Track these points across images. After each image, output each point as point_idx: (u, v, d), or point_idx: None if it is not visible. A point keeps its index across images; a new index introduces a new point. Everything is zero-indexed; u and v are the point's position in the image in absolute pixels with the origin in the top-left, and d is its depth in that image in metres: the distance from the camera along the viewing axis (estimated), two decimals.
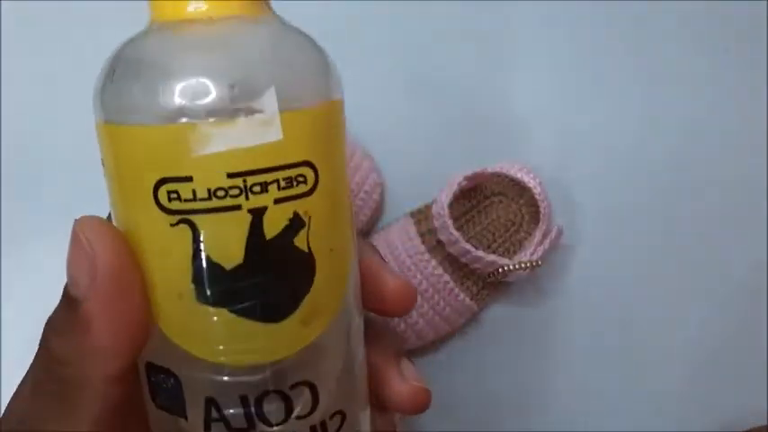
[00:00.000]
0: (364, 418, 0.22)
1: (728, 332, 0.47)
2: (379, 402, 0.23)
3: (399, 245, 0.45)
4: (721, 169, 0.51)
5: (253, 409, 0.19)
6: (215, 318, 0.18)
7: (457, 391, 0.47)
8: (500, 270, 0.43)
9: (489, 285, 0.46)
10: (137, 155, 0.18)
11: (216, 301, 0.18)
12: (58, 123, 0.46)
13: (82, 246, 0.19)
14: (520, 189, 0.47)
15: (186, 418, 0.19)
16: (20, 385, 0.21)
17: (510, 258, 0.45)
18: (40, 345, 0.20)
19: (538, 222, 0.45)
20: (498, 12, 0.54)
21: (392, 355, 0.24)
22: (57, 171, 0.46)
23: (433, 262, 0.44)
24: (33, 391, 0.20)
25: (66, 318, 0.19)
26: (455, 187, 0.44)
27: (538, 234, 0.44)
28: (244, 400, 0.19)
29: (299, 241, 0.19)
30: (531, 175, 0.45)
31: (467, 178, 0.45)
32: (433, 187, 0.46)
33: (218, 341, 0.19)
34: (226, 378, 0.19)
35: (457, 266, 0.45)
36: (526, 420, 0.46)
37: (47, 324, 0.20)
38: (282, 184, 0.18)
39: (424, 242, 0.45)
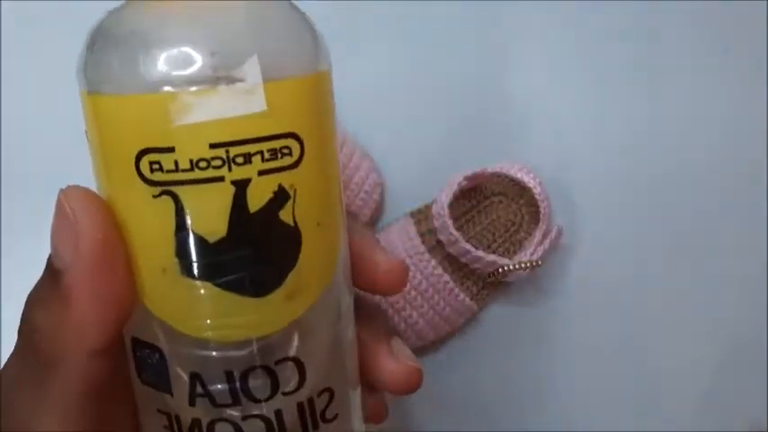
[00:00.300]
0: (355, 398, 0.22)
1: (728, 332, 0.47)
2: (369, 382, 0.23)
3: (399, 245, 0.45)
4: (722, 169, 0.51)
5: (238, 384, 0.19)
6: (199, 292, 0.18)
7: (457, 391, 0.47)
8: (500, 270, 0.43)
9: (489, 285, 0.46)
10: (118, 125, 0.18)
11: (199, 275, 0.18)
12: (59, 123, 0.46)
13: (66, 216, 0.18)
14: (520, 189, 0.47)
15: (171, 394, 0.19)
16: (9, 357, 0.21)
17: (510, 258, 0.45)
18: (21, 317, 0.20)
19: (538, 222, 0.45)
20: (498, 12, 0.54)
21: (383, 334, 0.24)
22: (57, 170, 0.46)
23: (433, 262, 0.44)
24: (16, 363, 0.20)
25: (49, 289, 0.19)
26: (455, 187, 0.44)
27: (538, 234, 0.44)
28: (229, 376, 0.19)
29: (285, 215, 0.18)
30: (532, 175, 0.45)
31: (467, 178, 0.45)
32: (433, 187, 0.46)
33: (203, 316, 0.18)
34: (210, 353, 0.18)
35: (457, 266, 0.45)
36: (526, 420, 0.46)
37: (29, 296, 0.20)
38: (266, 155, 0.18)
39: (424, 242, 0.45)
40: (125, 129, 0.18)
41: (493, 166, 0.45)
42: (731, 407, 0.46)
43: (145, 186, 0.18)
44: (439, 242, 0.45)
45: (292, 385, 0.19)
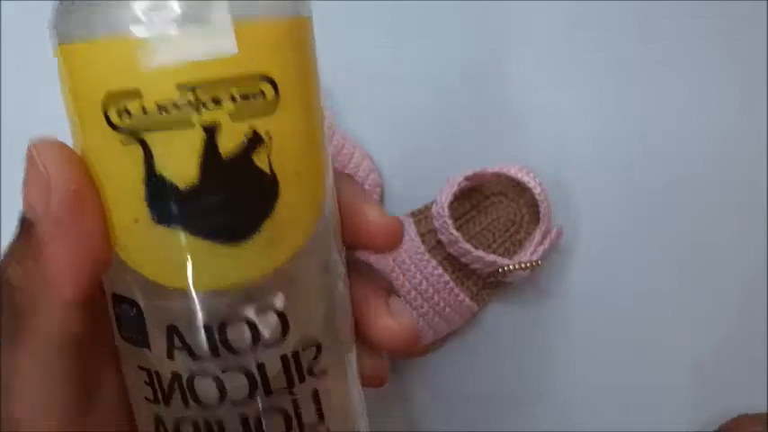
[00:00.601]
0: (350, 358, 0.21)
1: (728, 332, 0.47)
2: (366, 342, 0.22)
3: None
4: (722, 169, 0.51)
5: (217, 336, 0.18)
6: (172, 241, 0.18)
7: (457, 391, 0.47)
8: (500, 270, 0.43)
9: (489, 285, 0.46)
10: (87, 71, 0.18)
11: (172, 223, 0.17)
12: (59, 122, 0.46)
13: (37, 168, 0.18)
14: (520, 189, 0.47)
15: (150, 348, 0.19)
16: None
17: (510, 258, 0.45)
18: None
19: (538, 222, 0.45)
20: (499, 12, 0.54)
21: (381, 292, 0.22)
22: None
23: (433, 262, 0.44)
24: None
25: (21, 243, 0.18)
26: (455, 187, 0.44)
27: (538, 234, 0.44)
28: (207, 328, 0.18)
29: (260, 161, 0.18)
30: (531, 176, 0.45)
31: (467, 178, 0.45)
32: (433, 187, 0.46)
33: (177, 265, 0.18)
34: (187, 304, 0.18)
35: (457, 266, 0.45)
36: (526, 420, 0.46)
37: (4, 252, 0.20)
38: (238, 98, 0.17)
39: (424, 242, 0.45)
40: (93, 75, 0.17)
41: (493, 167, 0.45)
42: (731, 406, 0.46)
43: (113, 134, 0.17)
44: (439, 242, 0.45)
45: (274, 337, 0.19)
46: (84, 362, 0.19)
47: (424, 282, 0.44)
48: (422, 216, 0.46)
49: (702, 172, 0.51)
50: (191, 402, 0.18)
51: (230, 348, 0.18)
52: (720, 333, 0.47)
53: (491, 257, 0.43)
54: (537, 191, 0.45)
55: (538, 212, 0.45)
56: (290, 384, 0.19)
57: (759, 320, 0.48)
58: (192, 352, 0.18)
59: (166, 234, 0.18)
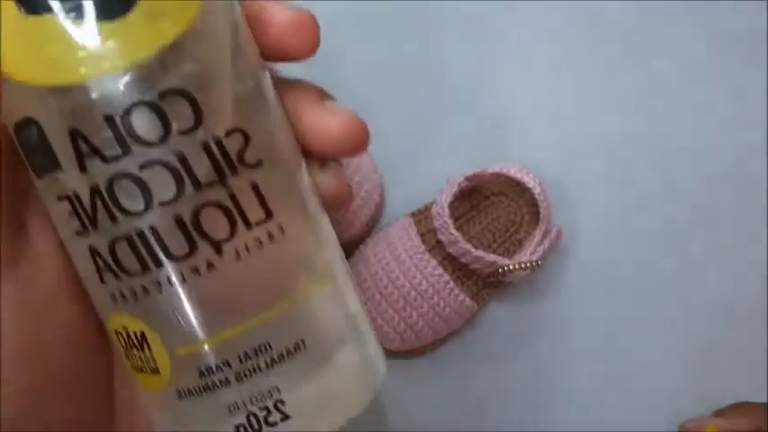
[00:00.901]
0: (300, 177, 0.20)
1: (728, 332, 0.48)
2: (311, 152, 0.20)
3: (399, 245, 0.45)
4: (722, 170, 0.51)
5: (122, 129, 0.17)
6: (47, 30, 0.16)
7: (456, 391, 0.47)
8: (500, 270, 0.43)
9: (489, 285, 0.46)
10: None
11: (42, 11, 0.16)
12: None
13: None
14: (520, 189, 0.47)
15: (61, 168, 0.17)
16: None
17: (510, 258, 0.45)
18: None
19: (537, 223, 0.46)
20: (499, 12, 0.54)
21: (313, 96, 0.20)
22: None
23: (433, 262, 0.44)
24: None
25: None
26: (455, 187, 0.44)
27: (537, 234, 0.45)
28: (109, 121, 0.17)
29: None
30: (531, 176, 0.45)
31: (467, 178, 0.45)
32: (433, 187, 0.46)
33: (60, 58, 0.17)
34: (81, 98, 0.17)
35: (457, 266, 0.45)
36: (525, 419, 0.46)
37: None
38: None
39: (424, 242, 0.45)
40: None
41: (493, 167, 0.46)
42: (730, 402, 0.46)
43: None
44: (439, 242, 0.45)
45: (187, 123, 0.17)
46: (8, 202, 0.18)
47: (424, 282, 0.44)
48: (422, 216, 0.46)
49: (702, 172, 0.51)
50: (117, 215, 0.17)
51: (140, 140, 0.17)
52: (720, 333, 0.48)
53: (491, 257, 0.43)
54: (537, 191, 0.45)
55: (537, 212, 0.46)
56: (222, 175, 0.17)
57: (759, 320, 0.48)
58: (101, 154, 0.17)
59: (39, 24, 0.16)
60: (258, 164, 0.18)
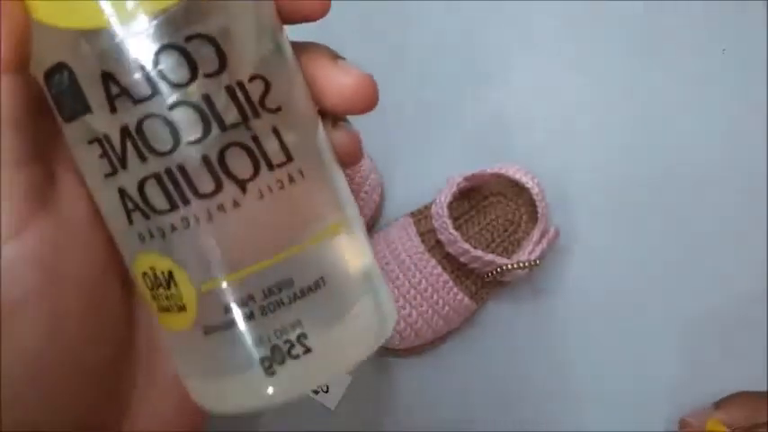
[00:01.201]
0: (318, 136, 0.21)
1: (728, 332, 0.48)
2: (325, 107, 0.21)
3: (399, 245, 0.45)
4: (721, 170, 0.51)
5: (151, 70, 0.18)
6: None
7: (456, 390, 0.47)
8: (499, 269, 0.44)
9: (488, 284, 0.46)
10: None
11: None
12: None
13: None
14: (518, 189, 0.47)
15: (91, 110, 0.18)
16: None
17: (508, 258, 0.45)
18: None
19: (536, 222, 0.46)
20: (499, 13, 0.54)
21: (328, 55, 0.21)
22: None
23: (433, 261, 0.45)
24: None
25: None
26: (454, 188, 0.45)
27: (536, 234, 0.45)
28: (139, 63, 0.17)
29: None
30: (530, 176, 0.45)
31: (466, 179, 0.45)
32: (433, 187, 0.46)
33: (91, 2, 0.17)
34: (113, 41, 0.17)
35: (456, 266, 0.45)
36: (525, 418, 0.46)
37: None
38: None
39: (423, 242, 0.45)
40: None
41: (492, 167, 0.46)
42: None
43: None
44: (438, 242, 0.45)
45: (212, 66, 0.18)
46: (32, 147, 0.19)
47: (424, 281, 0.44)
48: (421, 216, 0.47)
49: (701, 173, 0.51)
50: (147, 154, 0.18)
51: (169, 82, 0.18)
52: (719, 333, 0.48)
53: (490, 257, 0.43)
54: (535, 191, 0.45)
55: (536, 212, 0.46)
56: (245, 118, 0.18)
57: (759, 320, 0.48)
58: (131, 96, 0.18)
59: None
60: (278, 109, 0.19)
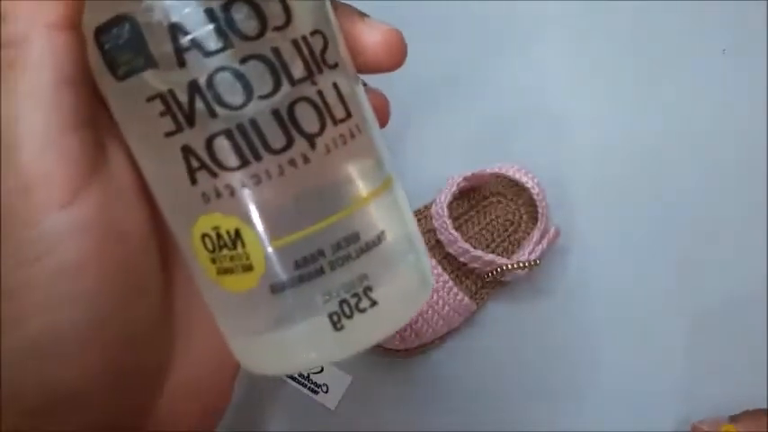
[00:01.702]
0: (359, 89, 0.21)
1: (727, 332, 0.48)
2: (357, 67, 0.22)
3: None
4: (721, 170, 0.51)
5: (222, 22, 0.17)
6: None
7: (456, 390, 0.47)
8: (498, 269, 0.44)
9: (488, 284, 0.46)
10: None
11: None
12: None
13: None
14: (518, 189, 0.47)
15: (157, 65, 0.17)
16: None
17: (508, 258, 0.45)
18: None
19: (536, 222, 0.46)
20: (499, 13, 0.54)
21: (356, 13, 0.22)
22: None
23: (433, 261, 0.45)
24: None
25: None
26: (454, 187, 0.45)
27: (536, 234, 0.45)
28: (211, 14, 0.17)
29: None
30: (530, 176, 0.45)
31: (466, 179, 0.45)
32: (433, 187, 0.46)
33: None
34: None
35: (456, 266, 0.45)
36: (525, 418, 0.46)
37: None
38: None
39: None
40: None
41: (492, 167, 0.46)
42: (730, 404, 0.46)
43: None
44: (438, 242, 0.45)
45: (279, 20, 0.18)
46: (86, 109, 0.18)
47: None
48: (421, 216, 0.47)
49: (701, 173, 0.51)
50: (217, 108, 0.18)
51: (240, 34, 0.17)
52: (719, 333, 0.48)
53: (489, 257, 0.43)
54: (535, 191, 0.45)
55: (536, 212, 0.46)
56: (310, 72, 0.18)
57: (759, 322, 0.48)
58: (202, 47, 0.17)
59: None
60: (335, 65, 0.19)
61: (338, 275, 0.19)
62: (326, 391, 0.45)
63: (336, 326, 0.19)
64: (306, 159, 0.18)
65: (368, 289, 0.19)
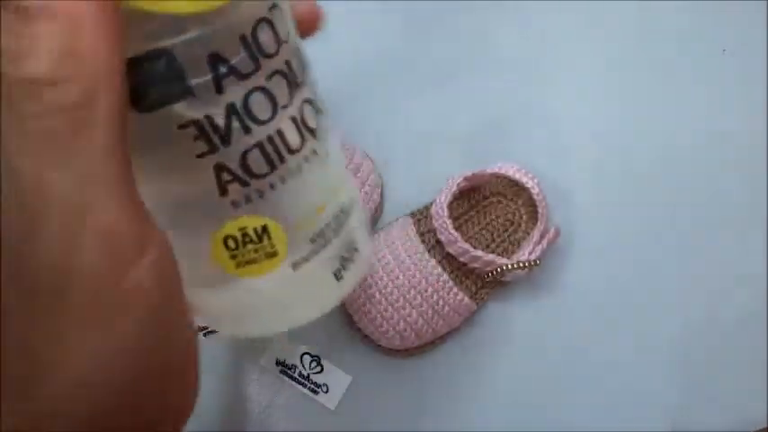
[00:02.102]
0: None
1: (727, 332, 0.48)
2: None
3: (399, 245, 0.45)
4: (721, 170, 0.51)
5: (253, 46, 0.18)
6: None
7: (455, 389, 0.47)
8: (498, 269, 0.44)
9: (488, 284, 0.46)
10: None
11: None
12: None
13: None
14: (518, 189, 0.47)
15: (194, 93, 0.18)
16: None
17: (508, 258, 0.45)
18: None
19: (536, 222, 0.46)
20: (499, 14, 0.54)
21: None
22: None
23: (433, 261, 0.45)
24: None
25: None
26: (454, 188, 0.45)
27: (536, 234, 0.45)
28: (243, 40, 0.18)
29: None
30: (530, 176, 0.45)
31: (466, 179, 0.45)
32: (433, 187, 0.46)
33: None
34: (220, 23, 0.18)
35: (456, 266, 0.45)
36: (525, 418, 0.46)
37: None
38: None
39: (423, 242, 0.45)
40: None
41: (492, 167, 0.46)
42: (730, 405, 0.46)
43: None
44: (438, 242, 0.45)
45: (285, 33, 0.20)
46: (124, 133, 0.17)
47: (424, 281, 0.44)
48: (421, 216, 0.47)
49: (702, 173, 0.51)
50: (251, 126, 0.19)
51: (265, 54, 0.19)
52: (719, 333, 0.48)
53: (489, 257, 0.43)
54: (535, 191, 0.45)
55: (536, 212, 0.46)
56: (306, 76, 0.21)
57: (759, 323, 0.48)
58: (239, 73, 0.18)
59: None
60: (307, 66, 0.22)
61: (339, 240, 0.22)
62: (326, 391, 0.45)
63: (338, 278, 0.23)
64: (314, 152, 0.21)
65: (355, 241, 0.23)
